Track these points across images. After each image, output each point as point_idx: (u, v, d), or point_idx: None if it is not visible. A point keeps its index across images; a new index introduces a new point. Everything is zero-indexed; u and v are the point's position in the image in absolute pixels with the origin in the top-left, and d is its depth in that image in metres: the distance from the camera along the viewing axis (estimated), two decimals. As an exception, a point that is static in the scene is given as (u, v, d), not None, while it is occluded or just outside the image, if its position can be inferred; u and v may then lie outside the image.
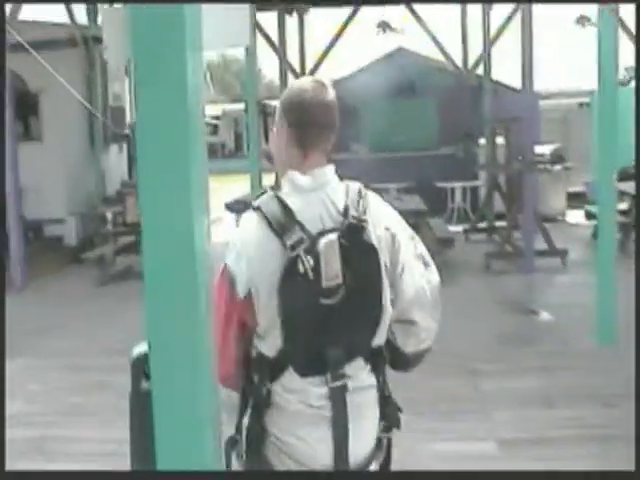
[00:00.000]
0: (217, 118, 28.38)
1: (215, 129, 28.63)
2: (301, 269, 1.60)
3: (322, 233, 1.64)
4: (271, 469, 1.72)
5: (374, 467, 1.80)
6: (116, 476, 2.94)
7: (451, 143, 11.96)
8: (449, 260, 8.20)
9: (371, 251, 1.69)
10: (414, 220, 8.81)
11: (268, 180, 11.82)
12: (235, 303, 1.67)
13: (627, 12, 6.71)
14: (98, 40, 9.52)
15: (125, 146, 11.43)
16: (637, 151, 3.60)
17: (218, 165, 20.95)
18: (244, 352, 1.73)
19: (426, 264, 1.82)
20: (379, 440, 1.79)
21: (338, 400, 1.67)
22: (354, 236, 1.66)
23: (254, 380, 1.71)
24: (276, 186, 1.79)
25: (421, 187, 10.57)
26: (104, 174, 10.66)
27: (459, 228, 10.57)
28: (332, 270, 1.63)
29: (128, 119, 11.72)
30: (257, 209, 1.68)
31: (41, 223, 10.00)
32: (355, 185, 1.75)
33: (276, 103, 1.80)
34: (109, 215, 9.01)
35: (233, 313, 1.68)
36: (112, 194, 10.30)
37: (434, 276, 1.83)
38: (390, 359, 1.82)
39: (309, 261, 1.60)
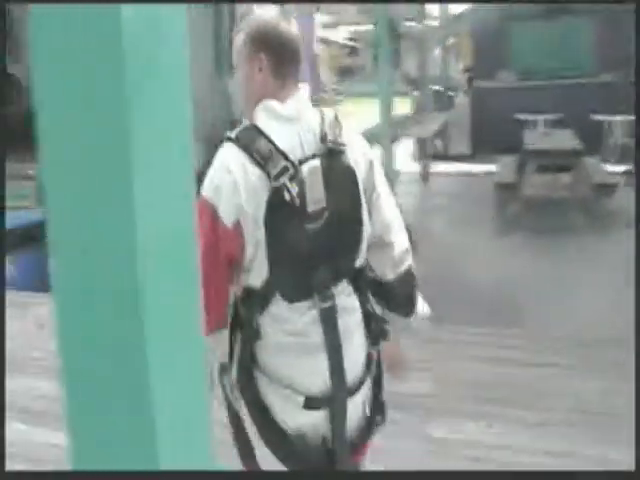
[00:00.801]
0: (354, 40, 27.38)
1: (353, 50, 27.77)
2: (287, 197, 1.59)
3: (304, 160, 1.65)
4: (263, 399, 1.72)
5: (368, 383, 1.84)
6: (118, 476, 2.25)
7: (610, 70, 10.49)
8: (608, 210, 7.20)
9: (351, 174, 1.72)
10: (566, 160, 7.83)
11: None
12: (220, 234, 1.60)
13: None
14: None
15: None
16: (637, 148, 2.59)
17: (356, 88, 20.22)
18: (227, 284, 1.70)
19: (389, 187, 1.90)
20: (369, 355, 1.83)
21: (329, 321, 1.69)
22: (334, 160, 1.69)
23: (241, 313, 1.71)
24: (242, 118, 1.76)
25: (574, 120, 9.44)
26: (231, 98, 10.32)
27: (619, 169, 9.13)
28: (316, 195, 1.65)
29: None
30: (235, 140, 1.64)
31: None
32: (330, 112, 1.77)
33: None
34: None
35: (219, 245, 1.61)
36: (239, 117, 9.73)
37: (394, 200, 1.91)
38: (381, 298, 1.87)
39: (294, 189, 1.60)
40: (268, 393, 1.72)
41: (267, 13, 1.75)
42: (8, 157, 5.05)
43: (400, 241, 1.86)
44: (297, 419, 1.73)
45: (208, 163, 1.66)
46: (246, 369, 1.72)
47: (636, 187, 5.69)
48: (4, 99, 9.08)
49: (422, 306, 1.95)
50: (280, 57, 1.71)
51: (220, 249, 1.61)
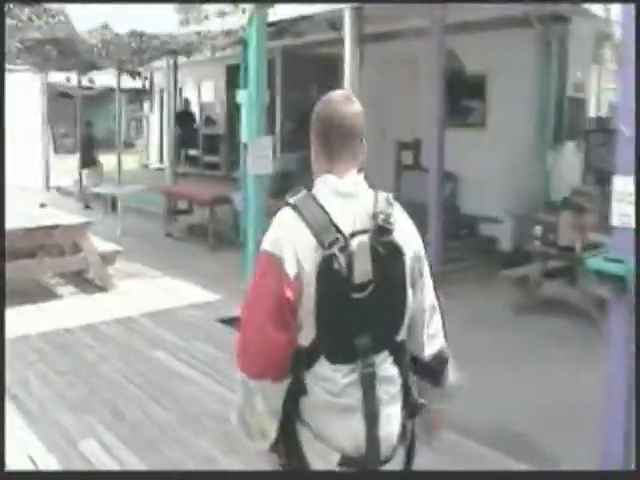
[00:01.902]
0: None
1: None
2: (336, 266, 1.75)
3: (354, 234, 1.81)
4: (303, 452, 1.86)
5: (401, 452, 1.95)
6: (116, 476, 3.41)
7: None
8: None
9: (398, 252, 1.86)
10: None
11: None
12: (285, 282, 1.76)
13: None
14: (557, 19, 8.50)
15: (584, 145, 9.36)
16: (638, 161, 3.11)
17: None
18: (293, 337, 1.82)
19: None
20: (404, 426, 1.94)
21: (368, 386, 1.82)
22: (383, 237, 1.83)
23: (290, 369, 1.84)
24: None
25: None
26: (550, 175, 9.21)
27: None
28: (363, 267, 1.79)
29: (589, 114, 10.10)
30: (294, 207, 1.83)
31: (476, 219, 9.21)
32: (383, 194, 1.92)
33: None
34: (537, 230, 7.01)
35: (285, 295, 1.77)
36: (557, 200, 8.40)
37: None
38: (422, 375, 2.02)
39: (343, 259, 1.76)
40: (308, 448, 1.86)
41: (332, 95, 1.96)
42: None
43: (435, 323, 2.03)
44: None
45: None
46: (290, 421, 1.87)
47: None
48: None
49: (453, 376, 2.08)
50: (327, 138, 1.92)
51: (285, 301, 1.77)
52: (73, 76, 16.27)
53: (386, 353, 1.88)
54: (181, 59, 13.31)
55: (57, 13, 6.40)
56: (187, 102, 16.61)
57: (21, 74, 15.22)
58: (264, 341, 1.80)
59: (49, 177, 17.30)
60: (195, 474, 2.51)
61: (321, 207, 1.82)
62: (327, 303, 1.78)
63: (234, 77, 15.26)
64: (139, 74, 12.56)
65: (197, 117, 16.86)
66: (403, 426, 1.94)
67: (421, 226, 2.04)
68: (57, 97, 18.99)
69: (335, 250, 1.76)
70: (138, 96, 20.58)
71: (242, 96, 6.05)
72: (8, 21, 6.50)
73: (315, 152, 1.97)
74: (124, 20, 7.03)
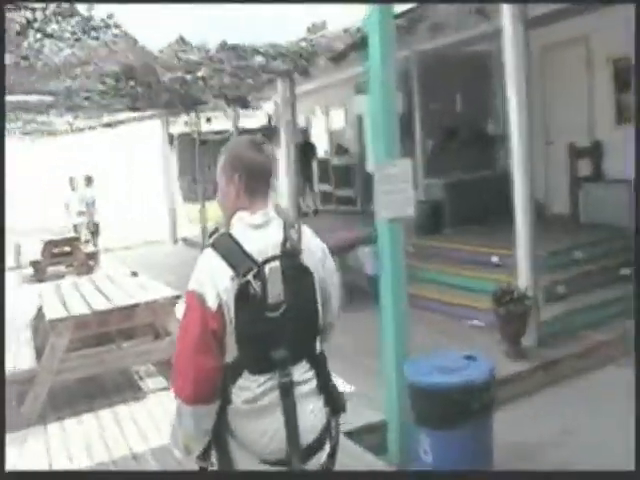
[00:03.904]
0: None
1: None
2: (251, 291, 2.00)
3: (267, 261, 2.04)
4: (231, 459, 2.09)
5: (327, 447, 2.18)
6: (116, 476, 3.49)
7: None
8: None
9: (306, 273, 2.12)
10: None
11: None
12: (209, 317, 2.00)
13: None
14: None
15: None
16: (637, 166, 3.73)
17: None
18: (219, 365, 2.03)
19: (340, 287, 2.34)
20: (329, 422, 2.18)
21: (286, 393, 2.05)
22: (292, 261, 2.09)
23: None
24: (224, 225, 2.16)
25: None
26: None
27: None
28: (275, 290, 2.04)
29: None
30: (212, 246, 2.09)
31: None
32: (291, 222, 2.17)
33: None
34: None
35: (208, 326, 2.00)
36: None
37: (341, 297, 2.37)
38: None
39: (257, 284, 2.01)
40: (234, 450, 2.08)
41: (243, 140, 2.27)
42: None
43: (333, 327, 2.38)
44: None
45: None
46: (220, 432, 2.09)
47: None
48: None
49: None
50: (252, 181, 2.16)
51: (209, 331, 2.01)
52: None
53: (304, 362, 2.12)
54: (307, 86, 11.71)
55: (106, 25, 4.81)
56: (305, 132, 14.88)
57: (139, 123, 14.41)
58: (193, 368, 2.01)
59: (176, 228, 16.24)
60: (195, 474, 2.25)
61: (235, 241, 2.07)
62: (245, 324, 2.02)
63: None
64: (251, 104, 10.98)
65: (327, 147, 15.16)
66: (328, 421, 2.17)
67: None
68: (184, 144, 18.25)
69: (250, 277, 2.01)
70: (263, 134, 19.33)
71: (363, 103, 4.08)
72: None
73: (233, 192, 2.17)
74: (202, 30, 5.27)
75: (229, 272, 2.01)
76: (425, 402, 3.68)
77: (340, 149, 14.59)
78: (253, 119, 16.51)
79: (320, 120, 15.48)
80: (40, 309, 5.42)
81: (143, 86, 7.18)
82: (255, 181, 2.15)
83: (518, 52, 5.73)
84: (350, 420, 4.56)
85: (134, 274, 6.83)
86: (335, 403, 2.19)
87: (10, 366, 5.17)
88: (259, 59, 6.73)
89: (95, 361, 5.18)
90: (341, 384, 5.54)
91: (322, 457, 2.15)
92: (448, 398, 3.53)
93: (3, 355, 3.26)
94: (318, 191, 14.99)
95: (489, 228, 8.41)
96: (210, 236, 2.15)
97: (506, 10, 5.78)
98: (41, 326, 5.21)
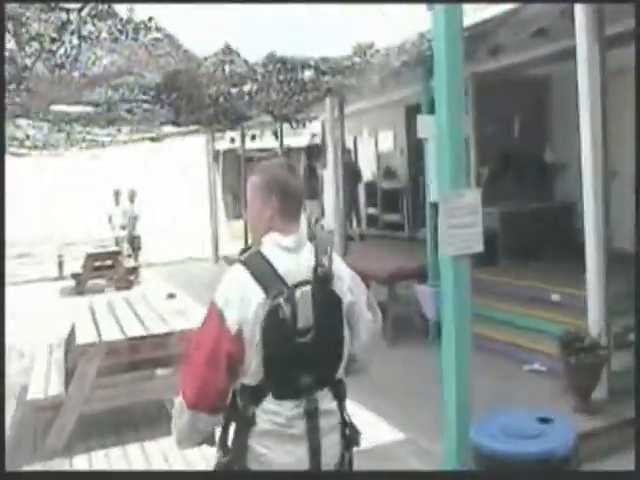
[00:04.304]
0: None
1: None
2: (281, 315, 1.98)
3: (298, 285, 2.03)
4: None
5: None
6: (116, 476, 3.53)
7: None
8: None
9: (336, 299, 2.11)
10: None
11: None
12: (224, 336, 1.97)
13: None
14: None
15: None
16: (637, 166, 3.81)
17: None
18: (229, 383, 2.02)
19: (374, 312, 2.31)
20: (342, 456, 2.16)
21: (312, 419, 2.04)
22: (323, 287, 2.07)
23: (238, 406, 2.05)
24: (253, 245, 2.18)
25: None
26: None
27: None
28: (306, 315, 2.02)
29: None
30: (243, 263, 2.06)
31: None
32: (324, 248, 2.16)
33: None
34: None
35: (221, 346, 1.97)
36: None
37: (378, 320, 2.34)
38: None
39: (288, 308, 1.99)
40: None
41: (278, 162, 2.32)
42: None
43: (365, 356, 2.31)
44: None
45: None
46: (239, 451, 2.04)
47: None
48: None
49: None
50: (287, 204, 2.16)
51: (222, 351, 1.97)
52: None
53: (326, 390, 2.11)
54: (355, 106, 11.38)
55: (146, 27, 4.50)
56: (350, 154, 14.38)
57: (183, 138, 14.25)
58: (200, 379, 2.00)
59: (218, 245, 15.99)
60: (195, 474, 2.27)
61: (267, 262, 2.04)
62: (273, 348, 1.98)
63: (415, 120, 13.37)
64: (299, 122, 10.66)
65: (374, 169, 14.77)
66: (342, 456, 2.16)
67: None
68: (229, 161, 18.08)
69: (281, 300, 1.98)
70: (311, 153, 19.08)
71: (427, 125, 3.67)
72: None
73: (267, 213, 2.14)
74: (248, 39, 4.93)
75: (259, 292, 1.99)
76: (492, 471, 3.20)
77: (388, 172, 14.18)
78: (299, 137, 16.24)
79: (367, 142, 15.11)
80: (73, 329, 5.13)
81: (186, 98, 6.89)
82: (290, 204, 2.16)
83: (593, 74, 5.28)
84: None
85: (171, 296, 6.53)
86: (351, 437, 2.20)
87: (38, 388, 4.88)
88: (308, 74, 6.35)
89: (127, 391, 4.85)
90: (386, 429, 5.14)
91: None
92: (522, 471, 3.04)
93: (3, 358, 3.01)
94: (364, 215, 14.59)
95: (547, 263, 7.88)
96: (241, 254, 2.12)
97: (580, 27, 5.35)
98: (73, 347, 4.92)
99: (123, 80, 6.24)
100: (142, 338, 4.84)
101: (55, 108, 7.57)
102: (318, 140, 16.42)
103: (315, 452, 2.04)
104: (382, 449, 4.61)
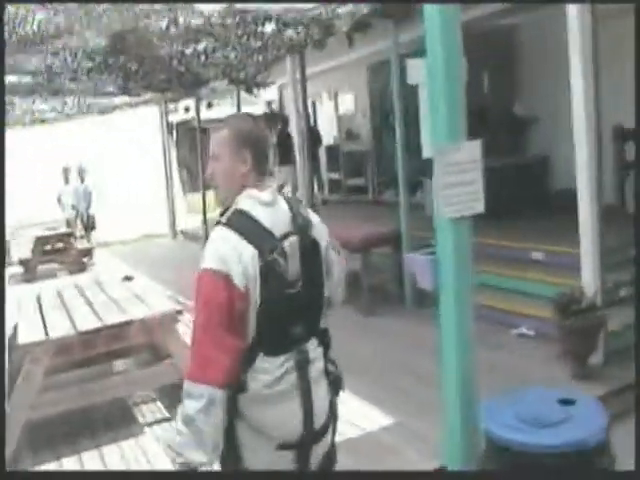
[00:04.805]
0: None
1: None
2: (277, 269, 1.95)
3: (284, 237, 2.01)
4: (239, 446, 1.99)
5: (330, 427, 2.15)
6: (116, 476, 3.37)
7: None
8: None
9: (316, 246, 2.11)
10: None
11: None
12: (235, 297, 1.91)
13: None
14: None
15: None
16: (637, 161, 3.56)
17: None
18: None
19: (337, 251, 2.31)
20: (331, 402, 2.15)
21: (302, 370, 2.01)
22: (305, 236, 2.07)
23: None
24: (225, 205, 2.11)
25: None
26: None
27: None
28: (295, 265, 2.01)
29: None
30: (227, 225, 1.99)
31: None
32: (294, 198, 2.22)
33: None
34: None
35: (235, 307, 1.92)
36: None
37: (342, 258, 2.34)
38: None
39: (282, 261, 1.96)
40: (244, 437, 1.99)
41: (243, 115, 2.31)
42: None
43: (338, 295, 2.34)
44: (265, 460, 2.01)
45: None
46: (228, 418, 1.96)
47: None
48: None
49: None
50: (261, 156, 2.11)
51: (237, 313, 1.92)
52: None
53: (314, 340, 2.09)
54: (314, 68, 10.75)
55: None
56: (308, 117, 13.81)
57: (134, 109, 13.42)
58: (225, 352, 1.89)
59: (175, 221, 15.29)
60: (197, 474, 1.90)
61: (251, 218, 1.99)
62: (268, 302, 1.94)
63: (378, 79, 12.82)
64: (258, 85, 9.96)
65: (336, 133, 14.19)
66: (330, 402, 2.14)
67: None
68: (184, 133, 17.26)
69: (275, 254, 1.95)
70: (269, 121, 18.38)
71: (418, 69, 3.15)
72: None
73: (241, 168, 2.08)
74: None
75: (252, 250, 1.94)
76: (510, 466, 2.73)
77: (350, 135, 13.63)
78: (253, 107, 15.51)
79: (326, 105, 14.52)
80: (16, 327, 4.51)
81: (136, 61, 6.20)
82: (263, 158, 2.11)
83: (584, 26, 4.80)
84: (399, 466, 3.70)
85: (128, 279, 5.91)
86: (336, 383, 2.18)
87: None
88: (270, 28, 5.71)
89: (80, 392, 4.26)
90: (376, 414, 4.68)
91: (329, 439, 2.15)
92: (548, 465, 2.56)
93: (4, 359, 2.83)
94: (326, 180, 14.05)
95: (523, 221, 7.50)
96: (221, 215, 2.05)
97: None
98: (15, 347, 4.32)
99: (63, 43, 5.53)
100: (96, 331, 4.25)
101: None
102: (275, 107, 15.78)
103: (307, 402, 2.01)
104: (371, 438, 4.15)
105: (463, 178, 3.03)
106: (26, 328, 4.38)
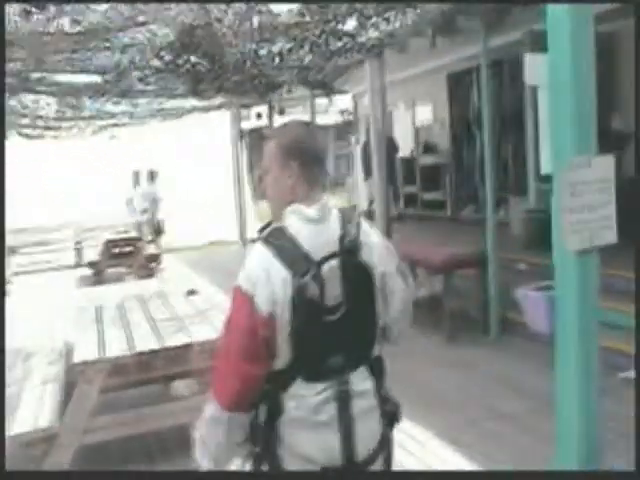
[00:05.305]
0: None
1: None
2: (308, 294, 1.82)
3: (325, 259, 1.86)
4: (279, 467, 1.90)
5: (380, 460, 2.00)
6: (116, 476, 3.23)
7: None
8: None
9: (365, 271, 1.92)
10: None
11: None
12: (259, 320, 1.82)
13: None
14: None
15: None
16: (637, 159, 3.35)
17: None
18: (264, 373, 1.86)
19: (405, 277, 2.10)
20: (383, 436, 2.00)
21: (342, 402, 1.89)
22: (351, 259, 1.89)
23: (266, 393, 1.89)
24: (273, 219, 1.98)
25: None
26: None
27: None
28: (334, 291, 1.86)
29: None
30: (265, 242, 1.88)
31: None
32: (350, 215, 1.99)
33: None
34: None
35: (257, 332, 1.82)
36: None
37: (410, 285, 2.11)
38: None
39: (315, 286, 1.82)
40: (287, 464, 1.90)
41: (295, 124, 2.07)
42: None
43: (402, 326, 2.13)
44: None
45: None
46: (269, 440, 1.89)
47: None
48: None
49: None
50: (311, 167, 1.96)
51: (258, 338, 1.82)
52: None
53: (362, 369, 1.94)
54: (390, 76, 10.32)
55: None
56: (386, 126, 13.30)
57: (206, 113, 13.27)
58: (238, 376, 1.84)
59: (245, 228, 15.04)
60: (195, 474, 1.91)
61: (290, 238, 1.86)
62: (301, 329, 1.82)
63: (460, 88, 12.26)
64: (334, 91, 9.52)
65: (412, 144, 13.67)
66: (382, 436, 1.99)
67: None
68: (256, 140, 17.11)
69: (307, 279, 1.81)
70: (345, 130, 18.03)
71: (540, 67, 2.64)
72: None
73: (289, 181, 1.94)
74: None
75: (284, 271, 1.81)
76: None
77: (428, 147, 13.08)
78: (324, 115, 15.21)
79: (403, 116, 14.01)
80: (71, 343, 4.20)
81: (207, 61, 5.87)
82: (313, 169, 1.96)
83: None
84: None
85: (192, 292, 5.57)
86: (391, 415, 2.03)
87: (28, 414, 3.96)
88: (351, 25, 5.23)
89: (135, 419, 3.91)
90: (452, 459, 4.15)
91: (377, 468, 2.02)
92: None
93: (3, 358, 2.98)
94: (402, 194, 13.54)
95: (622, 244, 6.75)
96: (261, 230, 1.93)
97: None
98: (70, 365, 4.00)
99: (132, 39, 5.27)
100: (154, 352, 3.88)
101: (59, 78, 6.63)
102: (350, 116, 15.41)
103: (347, 439, 1.89)
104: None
105: (592, 200, 2.50)
106: (82, 343, 4.06)
